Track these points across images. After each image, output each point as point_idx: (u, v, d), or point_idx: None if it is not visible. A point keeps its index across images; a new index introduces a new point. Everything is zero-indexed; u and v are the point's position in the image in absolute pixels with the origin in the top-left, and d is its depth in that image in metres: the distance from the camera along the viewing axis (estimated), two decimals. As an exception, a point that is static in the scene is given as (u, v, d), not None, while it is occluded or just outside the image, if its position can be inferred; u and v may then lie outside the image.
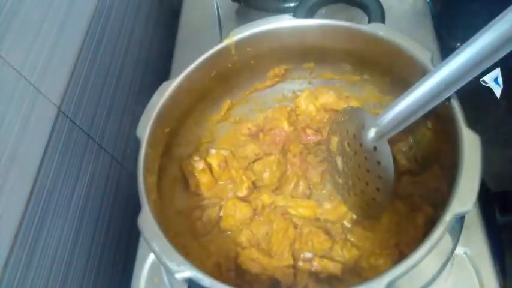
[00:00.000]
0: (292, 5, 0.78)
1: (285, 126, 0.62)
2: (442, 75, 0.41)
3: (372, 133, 0.47)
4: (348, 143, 0.52)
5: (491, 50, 0.37)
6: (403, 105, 0.44)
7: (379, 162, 0.47)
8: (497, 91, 0.64)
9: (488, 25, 0.37)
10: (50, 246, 0.50)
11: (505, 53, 0.37)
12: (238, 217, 0.55)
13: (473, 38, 0.38)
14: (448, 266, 0.48)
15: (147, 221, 0.43)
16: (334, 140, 0.55)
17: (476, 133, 0.42)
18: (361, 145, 0.49)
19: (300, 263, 0.53)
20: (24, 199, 0.46)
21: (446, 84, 0.41)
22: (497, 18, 0.37)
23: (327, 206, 0.56)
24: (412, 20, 0.76)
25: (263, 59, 0.59)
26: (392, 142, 0.51)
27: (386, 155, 0.46)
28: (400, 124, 0.45)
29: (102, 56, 0.63)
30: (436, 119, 0.50)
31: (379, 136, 0.47)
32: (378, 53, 0.53)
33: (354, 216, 0.55)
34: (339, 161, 0.55)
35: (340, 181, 0.55)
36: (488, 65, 0.38)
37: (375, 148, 0.48)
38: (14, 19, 0.45)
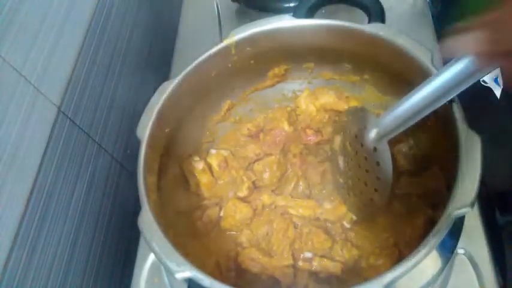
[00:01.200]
0: (292, 5, 0.78)
1: (285, 126, 0.62)
2: (444, 78, 0.40)
3: (372, 134, 0.47)
4: (349, 143, 0.52)
5: None
6: (405, 107, 0.44)
7: (378, 164, 0.47)
8: (497, 91, 0.64)
9: None
10: (50, 246, 0.50)
11: None
12: (238, 217, 0.55)
13: None
14: (448, 266, 0.48)
15: (147, 221, 0.44)
16: (338, 139, 0.55)
17: (476, 133, 0.42)
18: (362, 145, 0.49)
19: (300, 263, 0.53)
20: (24, 199, 0.46)
21: (448, 88, 0.40)
22: None
23: (327, 206, 0.56)
24: (412, 20, 0.76)
25: (263, 59, 0.59)
26: (392, 142, 0.51)
27: (385, 156, 0.46)
28: (400, 126, 0.45)
29: (102, 56, 0.63)
30: (436, 119, 0.50)
31: (380, 137, 0.47)
32: (378, 53, 0.53)
33: (354, 217, 0.55)
34: (340, 160, 0.55)
35: (341, 181, 0.55)
36: (492, 70, 0.38)
37: (375, 149, 0.48)
38: (14, 19, 0.45)
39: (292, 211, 0.56)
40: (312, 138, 0.61)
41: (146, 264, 0.56)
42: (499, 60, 0.34)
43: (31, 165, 0.48)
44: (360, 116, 0.50)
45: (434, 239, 0.38)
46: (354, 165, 0.52)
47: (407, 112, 0.44)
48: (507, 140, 0.63)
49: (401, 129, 0.45)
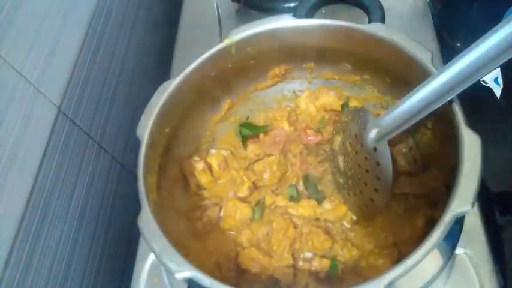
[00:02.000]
0: (292, 5, 0.78)
1: (285, 126, 0.62)
2: (444, 78, 0.40)
3: (372, 134, 0.48)
4: (349, 143, 0.52)
5: (493, 55, 0.37)
6: (405, 107, 0.44)
7: (378, 163, 0.47)
8: (497, 91, 0.64)
9: (491, 31, 0.37)
10: (50, 246, 0.50)
11: (505, 59, 0.37)
12: (238, 217, 0.55)
13: (476, 43, 0.38)
14: (448, 266, 0.48)
15: (147, 221, 0.43)
16: (338, 139, 0.55)
17: (476, 133, 0.42)
18: (362, 145, 0.49)
19: (300, 263, 0.53)
20: (24, 199, 0.46)
21: (447, 88, 0.40)
22: (499, 25, 0.37)
23: (327, 206, 0.56)
24: (412, 20, 0.76)
25: (263, 59, 0.59)
26: (392, 143, 0.51)
27: (385, 156, 0.46)
28: (400, 126, 0.45)
29: (102, 56, 0.63)
30: (436, 119, 0.50)
31: (380, 137, 0.47)
32: (378, 53, 0.53)
33: (354, 217, 0.55)
34: (340, 160, 0.55)
35: (341, 181, 0.55)
36: (491, 70, 0.38)
37: (375, 149, 0.48)
38: (14, 19, 0.45)
39: (292, 211, 0.56)
40: (312, 139, 0.61)
41: (146, 264, 0.56)
42: None
43: (31, 165, 0.48)
44: (360, 116, 0.50)
45: (434, 239, 0.38)
46: (353, 165, 0.52)
47: (407, 112, 0.44)
48: (507, 140, 0.63)
49: (401, 129, 0.45)
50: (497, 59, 0.37)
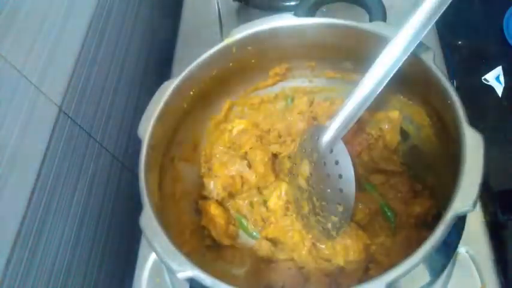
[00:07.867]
0: (293, 3, 0.78)
1: None
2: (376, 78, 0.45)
3: (326, 137, 0.49)
4: (309, 161, 0.52)
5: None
6: (349, 107, 0.47)
7: (337, 162, 0.48)
8: (499, 90, 0.64)
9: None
10: (52, 246, 0.50)
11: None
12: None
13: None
14: (450, 265, 0.48)
15: (148, 220, 0.43)
16: (305, 164, 0.54)
17: (478, 132, 0.42)
18: (319, 155, 0.50)
19: None
20: (25, 199, 0.46)
21: (380, 82, 0.46)
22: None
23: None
24: (414, 19, 0.76)
25: (264, 58, 0.59)
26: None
27: (343, 152, 0.48)
28: (348, 124, 0.48)
29: (103, 56, 0.63)
30: (438, 118, 0.50)
31: (334, 137, 0.49)
32: (380, 52, 0.53)
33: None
34: (301, 181, 0.54)
35: (303, 206, 0.54)
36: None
37: (331, 151, 0.49)
38: (14, 19, 0.45)
39: None
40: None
41: (147, 264, 0.56)
42: None
43: (32, 165, 0.48)
44: (312, 132, 0.51)
45: (436, 238, 0.38)
46: (316, 181, 0.51)
47: (351, 111, 0.47)
48: (509, 139, 0.63)
49: (350, 125, 0.48)
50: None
